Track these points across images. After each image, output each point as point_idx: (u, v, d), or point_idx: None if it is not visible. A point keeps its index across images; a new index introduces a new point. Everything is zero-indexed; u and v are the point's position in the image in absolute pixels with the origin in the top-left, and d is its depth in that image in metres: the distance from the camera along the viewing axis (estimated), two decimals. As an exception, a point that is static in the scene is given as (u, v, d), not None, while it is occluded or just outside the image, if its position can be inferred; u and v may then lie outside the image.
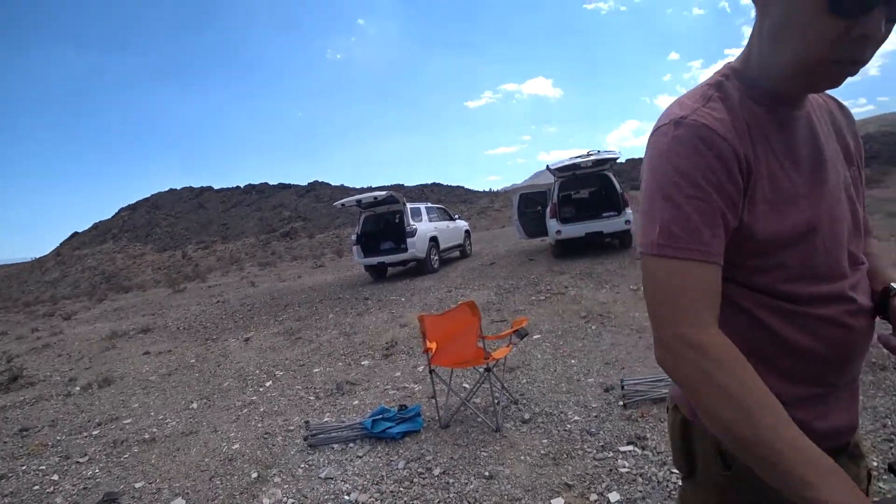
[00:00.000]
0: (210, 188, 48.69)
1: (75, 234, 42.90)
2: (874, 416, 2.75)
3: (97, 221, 44.07)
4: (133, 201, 46.97)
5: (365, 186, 45.01)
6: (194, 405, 4.65)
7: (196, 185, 49.92)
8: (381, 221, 12.17)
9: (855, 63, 0.67)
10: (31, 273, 34.00)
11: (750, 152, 0.74)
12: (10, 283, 31.11)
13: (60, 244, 41.04)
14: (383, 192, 10.76)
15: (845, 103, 0.94)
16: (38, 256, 41.90)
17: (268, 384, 5.01)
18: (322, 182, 46.59)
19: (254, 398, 4.61)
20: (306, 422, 3.62)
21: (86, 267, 30.51)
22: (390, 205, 11.39)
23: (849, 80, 0.72)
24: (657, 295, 0.73)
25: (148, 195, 48.01)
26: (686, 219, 0.70)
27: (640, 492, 2.39)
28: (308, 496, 2.68)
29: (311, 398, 4.39)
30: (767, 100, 0.77)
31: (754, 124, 0.76)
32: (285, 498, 2.69)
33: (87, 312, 14.04)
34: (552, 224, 9.74)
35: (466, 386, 4.05)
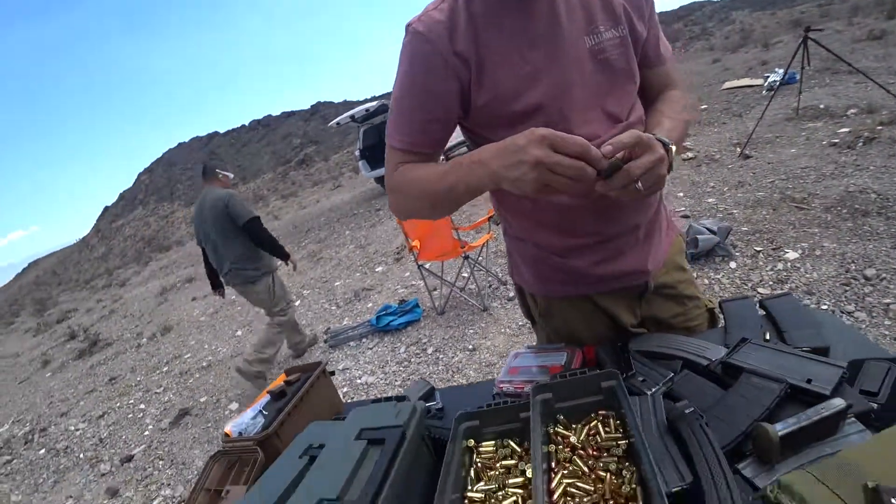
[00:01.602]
0: (217, 133, 48.49)
1: (106, 208, 44.60)
2: (841, 262, 2.78)
3: (122, 191, 45.46)
4: (148, 164, 47.81)
5: (369, 97, 43.65)
6: (239, 333, 5.37)
7: (202, 133, 49.76)
8: (380, 132, 12.18)
9: None
10: (80, 253, 36.24)
11: (471, 45, 0.82)
12: (65, 267, 33.44)
13: (97, 221, 42.97)
14: (374, 104, 10.65)
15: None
16: (81, 237, 44.24)
17: (297, 303, 5.64)
18: (325, 102, 45.40)
19: (286, 318, 5.26)
20: (327, 329, 4.21)
21: (125, 236, 32.18)
22: (385, 114, 11.31)
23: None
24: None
25: (160, 154, 48.55)
26: (405, 120, 0.91)
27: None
28: (330, 381, 3.30)
29: (333, 308, 4.98)
30: None
31: (485, 14, 0.83)
32: (313, 386, 3.32)
33: (138, 276, 15.24)
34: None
35: (465, 275, 4.48)
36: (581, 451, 0.65)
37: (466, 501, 0.65)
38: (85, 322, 9.96)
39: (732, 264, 3.11)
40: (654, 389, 0.80)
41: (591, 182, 0.69)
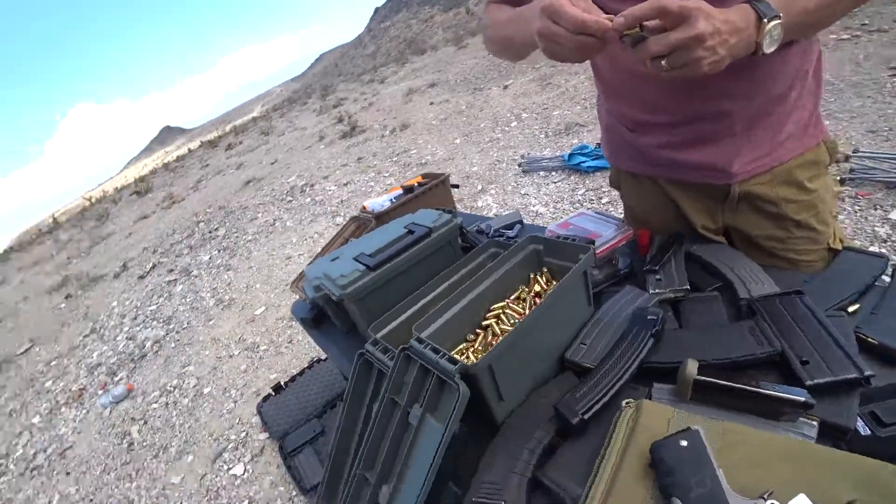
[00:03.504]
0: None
1: (376, 9, 48.66)
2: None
3: (392, -8, 48.59)
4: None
5: None
6: (457, 140, 5.86)
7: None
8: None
9: None
10: (355, 49, 41.57)
11: None
12: (344, 62, 39.11)
13: (369, 21, 47.63)
14: None
15: None
16: (356, 35, 50.17)
17: (512, 124, 5.78)
18: None
19: (499, 136, 5.49)
20: (522, 154, 4.31)
21: (391, 37, 35.35)
22: None
23: None
24: None
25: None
26: None
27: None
28: (508, 203, 3.52)
29: (542, 136, 4.98)
30: None
31: None
32: (494, 204, 3.60)
33: (395, 76, 17.05)
34: None
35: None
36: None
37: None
38: (350, 109, 11.96)
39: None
40: (648, 293, 0.84)
41: (595, 53, 0.65)
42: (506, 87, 8.18)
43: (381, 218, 1.60)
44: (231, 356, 3.10)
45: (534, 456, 0.66)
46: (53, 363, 4.66)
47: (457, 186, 1.94)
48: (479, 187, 4.03)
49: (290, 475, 1.99)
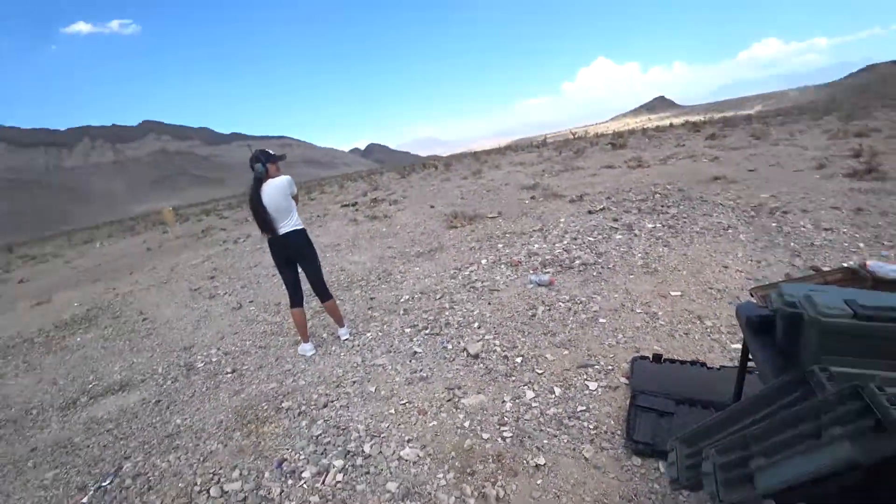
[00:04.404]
0: None
1: None
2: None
3: None
4: None
5: None
6: None
7: None
8: None
9: None
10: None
11: None
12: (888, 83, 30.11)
13: None
14: None
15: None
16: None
17: None
18: None
19: None
20: None
21: None
22: None
23: None
24: None
25: None
26: None
27: None
28: None
29: None
30: None
31: None
32: None
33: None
34: None
35: None
36: None
37: None
38: (878, 146, 9.59)
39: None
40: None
41: None
42: None
43: (881, 285, 1.63)
44: (632, 310, 3.50)
45: None
46: (507, 235, 6.29)
47: None
48: None
49: (626, 423, 2.26)
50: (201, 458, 2.56)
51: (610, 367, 2.81)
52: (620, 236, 5.33)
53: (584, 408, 2.48)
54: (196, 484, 2.35)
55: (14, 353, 5.30)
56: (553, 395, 2.63)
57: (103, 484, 2.51)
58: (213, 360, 3.99)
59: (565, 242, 5.45)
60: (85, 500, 2.43)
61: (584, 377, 2.76)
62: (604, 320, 3.41)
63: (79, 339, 5.39)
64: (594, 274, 4.33)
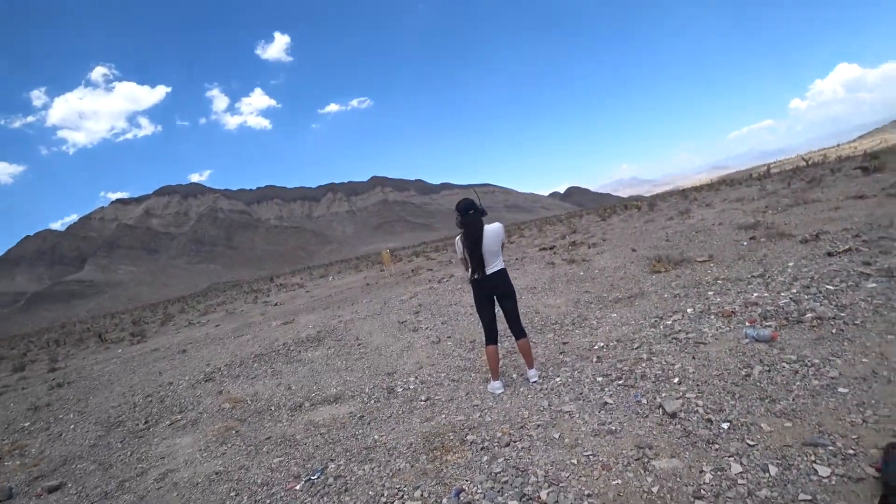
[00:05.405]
0: None
1: None
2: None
3: None
4: None
5: None
6: None
7: None
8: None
9: None
10: None
11: None
12: None
13: None
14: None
15: None
16: None
17: None
18: None
19: None
20: None
21: None
22: None
23: None
24: None
25: None
26: None
27: None
28: None
29: None
30: None
31: None
32: None
33: None
34: None
35: None
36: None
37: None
38: None
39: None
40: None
41: None
42: None
43: None
44: (890, 381, 2.63)
45: None
46: (720, 281, 5.47)
47: None
48: None
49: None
50: (390, 474, 2.77)
51: (851, 452, 2.16)
52: (874, 284, 4.16)
53: (808, 497, 1.94)
54: (383, 496, 2.54)
55: (267, 360, 6.63)
56: (767, 475, 2.12)
57: (312, 478, 2.92)
58: (411, 387, 4.33)
59: (794, 291, 4.48)
60: (298, 487, 2.86)
61: (813, 459, 2.17)
62: (844, 390, 2.66)
63: (309, 354, 6.47)
64: (833, 331, 3.44)
